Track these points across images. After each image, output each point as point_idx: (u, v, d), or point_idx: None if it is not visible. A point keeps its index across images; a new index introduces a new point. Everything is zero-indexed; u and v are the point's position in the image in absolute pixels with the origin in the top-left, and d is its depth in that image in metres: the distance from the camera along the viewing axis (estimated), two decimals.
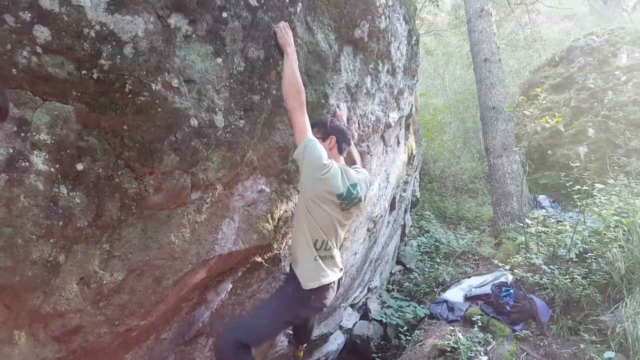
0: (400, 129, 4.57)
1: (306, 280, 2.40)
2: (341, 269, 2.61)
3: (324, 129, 2.48)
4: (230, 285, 2.75)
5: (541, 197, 8.05)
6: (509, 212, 7.48)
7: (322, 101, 2.66)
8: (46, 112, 1.62)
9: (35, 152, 1.60)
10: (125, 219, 1.90)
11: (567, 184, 5.24)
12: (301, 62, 2.46)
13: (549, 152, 9.11)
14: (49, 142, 1.63)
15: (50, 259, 1.69)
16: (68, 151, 1.68)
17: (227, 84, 2.10)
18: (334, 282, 2.52)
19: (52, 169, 1.64)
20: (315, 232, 2.39)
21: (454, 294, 5.40)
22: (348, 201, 2.40)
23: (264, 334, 2.47)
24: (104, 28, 1.68)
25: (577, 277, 4.31)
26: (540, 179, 9.02)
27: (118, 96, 1.74)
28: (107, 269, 1.88)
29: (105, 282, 1.88)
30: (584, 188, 5.02)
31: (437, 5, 12.37)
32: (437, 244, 7.32)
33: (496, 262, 5.82)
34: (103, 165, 1.79)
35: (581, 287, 4.21)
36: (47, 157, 1.63)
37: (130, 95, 1.76)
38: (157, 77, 1.82)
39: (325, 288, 2.46)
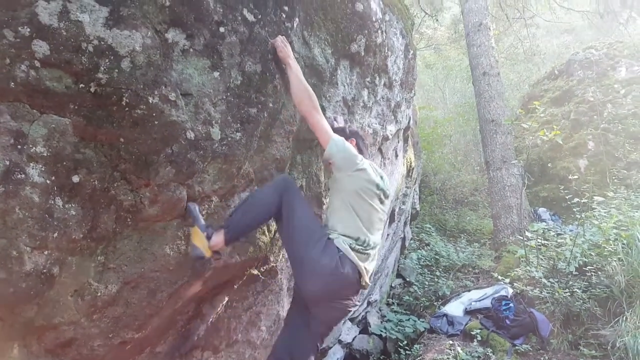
0: (399, 142, 4.59)
1: (342, 241, 2.22)
2: (373, 268, 2.40)
3: (344, 132, 2.49)
4: (226, 298, 2.74)
5: (541, 210, 8.03)
6: (509, 224, 7.45)
7: None
8: (43, 124, 1.64)
9: (31, 164, 1.62)
10: (120, 231, 1.91)
11: (567, 197, 5.23)
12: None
13: (548, 164, 9.11)
14: (46, 155, 1.65)
15: (45, 270, 1.69)
16: (64, 163, 1.70)
17: (224, 97, 2.13)
18: (358, 276, 2.26)
19: (48, 181, 1.65)
20: (358, 230, 2.26)
21: (454, 308, 5.36)
22: (382, 191, 2.38)
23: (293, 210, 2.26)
24: (102, 42, 1.71)
25: (577, 290, 4.28)
26: (540, 192, 9.00)
27: (115, 109, 1.76)
28: (102, 281, 1.88)
29: (99, 294, 1.88)
30: (583, 201, 5.01)
31: (437, 20, 12.52)
32: (437, 257, 7.29)
33: (496, 275, 5.78)
34: (99, 178, 1.80)
35: (581, 301, 4.18)
36: (43, 169, 1.64)
37: (127, 109, 1.78)
38: (154, 91, 1.84)
39: (355, 266, 2.22)
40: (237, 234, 2.21)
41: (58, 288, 1.75)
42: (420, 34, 14.56)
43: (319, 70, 2.61)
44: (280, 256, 2.90)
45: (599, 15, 10.16)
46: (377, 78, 3.21)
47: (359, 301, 2.66)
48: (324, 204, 2.98)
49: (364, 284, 2.32)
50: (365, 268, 2.29)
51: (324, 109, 2.70)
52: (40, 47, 1.59)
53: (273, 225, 2.68)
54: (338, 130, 2.45)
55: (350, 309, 2.35)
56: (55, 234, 1.67)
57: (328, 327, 2.43)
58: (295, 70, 2.29)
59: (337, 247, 2.20)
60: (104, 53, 1.72)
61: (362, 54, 2.91)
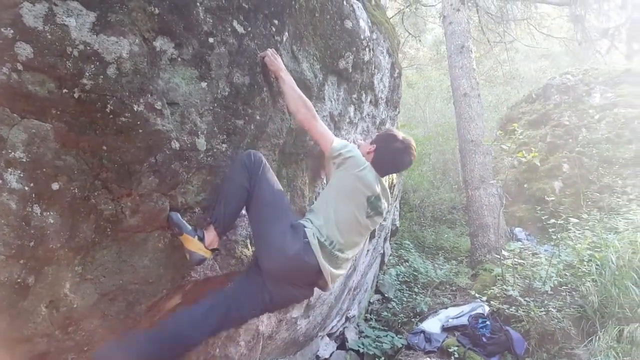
0: None
1: (311, 227, 2.20)
2: (339, 272, 2.34)
3: (377, 137, 2.54)
4: None
5: (517, 230, 8.18)
6: (486, 243, 7.56)
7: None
8: (23, 129, 1.59)
9: (9, 169, 1.56)
10: (99, 241, 1.86)
11: (543, 218, 5.33)
12: None
13: (525, 185, 9.31)
14: (25, 160, 1.59)
15: (19, 280, 1.62)
16: (44, 170, 1.64)
17: (211, 107, 2.11)
18: (318, 272, 2.20)
19: (26, 188, 1.60)
20: (333, 231, 2.22)
21: (431, 325, 5.37)
22: (373, 207, 2.35)
23: (262, 185, 2.18)
24: (88, 48, 1.68)
25: (552, 310, 4.34)
26: (516, 212, 9.18)
27: (99, 116, 1.73)
28: (78, 292, 1.82)
29: (75, 305, 1.81)
30: (559, 222, 5.12)
31: (420, 41, 12.78)
32: (415, 273, 7.31)
33: (473, 292, 5.84)
34: (79, 186, 1.75)
35: (556, 320, 4.25)
36: (21, 175, 1.59)
37: (111, 116, 1.75)
38: (139, 99, 1.81)
39: (310, 253, 2.15)
40: (227, 223, 2.18)
41: (32, 298, 1.68)
42: (404, 53, 14.82)
43: (307, 85, 2.61)
44: None
45: (577, 42, 10.53)
46: (364, 95, 3.23)
47: (313, 299, 2.51)
48: None
49: (322, 284, 2.26)
50: (331, 271, 2.23)
51: None
52: (24, 50, 1.55)
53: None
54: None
55: (301, 301, 2.28)
56: (32, 243, 1.61)
57: (273, 304, 2.29)
58: (288, 82, 2.29)
59: (306, 234, 2.16)
60: (90, 58, 1.68)
61: (350, 70, 2.93)
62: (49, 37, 1.59)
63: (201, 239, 2.01)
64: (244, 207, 2.24)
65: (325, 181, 3.01)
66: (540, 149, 9.02)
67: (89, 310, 1.86)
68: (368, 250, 5.63)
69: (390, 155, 2.46)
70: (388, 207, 2.51)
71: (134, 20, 1.82)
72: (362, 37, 2.97)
